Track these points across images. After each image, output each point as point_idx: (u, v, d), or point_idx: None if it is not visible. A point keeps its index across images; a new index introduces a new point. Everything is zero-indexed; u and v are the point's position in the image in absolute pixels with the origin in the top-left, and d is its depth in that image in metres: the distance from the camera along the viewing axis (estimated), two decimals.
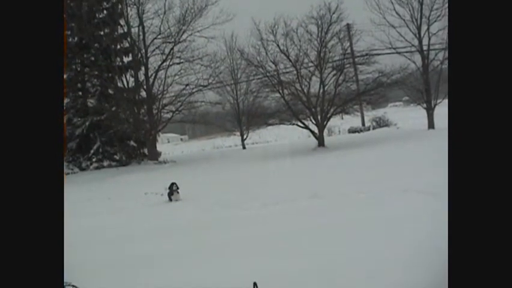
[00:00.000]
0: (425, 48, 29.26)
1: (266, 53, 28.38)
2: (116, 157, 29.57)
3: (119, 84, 30.21)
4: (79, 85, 29.66)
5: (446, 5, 27.91)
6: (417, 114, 33.25)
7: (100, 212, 11.90)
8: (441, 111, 30.82)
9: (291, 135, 41.55)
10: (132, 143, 30.65)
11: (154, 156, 30.20)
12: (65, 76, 25.70)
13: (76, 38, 28.82)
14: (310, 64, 28.24)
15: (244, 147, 39.73)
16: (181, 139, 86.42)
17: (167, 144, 62.79)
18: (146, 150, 30.72)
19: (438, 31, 28.65)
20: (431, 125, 29.29)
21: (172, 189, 12.50)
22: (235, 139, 44.08)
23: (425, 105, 29.60)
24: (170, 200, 12.40)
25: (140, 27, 30.03)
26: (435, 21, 28.69)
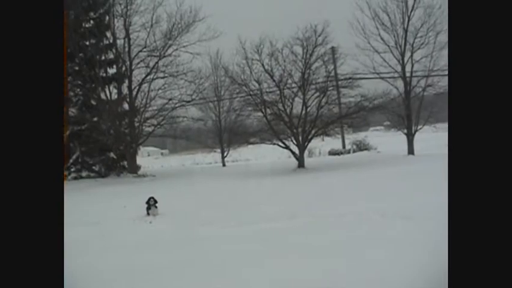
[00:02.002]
0: (407, 74, 29.59)
1: (250, 72, 28.35)
2: (95, 168, 29.40)
3: (102, 96, 30.04)
4: None
5: (430, 33, 28.44)
6: (397, 139, 33.49)
7: (73, 225, 11.75)
8: (421, 137, 31.17)
9: (272, 154, 41.55)
10: (112, 155, 30.49)
11: (134, 169, 30.04)
12: None
13: None
14: (293, 85, 28.31)
15: (224, 165, 39.68)
16: (162, 153, 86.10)
17: (147, 158, 62.50)
18: (126, 163, 30.54)
19: (422, 58, 29.17)
20: (410, 151, 29.52)
21: (150, 204, 12.42)
22: (215, 156, 43.98)
23: (405, 130, 29.83)
24: (148, 214, 12.31)
25: (126, 39, 29.99)
26: (418, 48, 29.21)
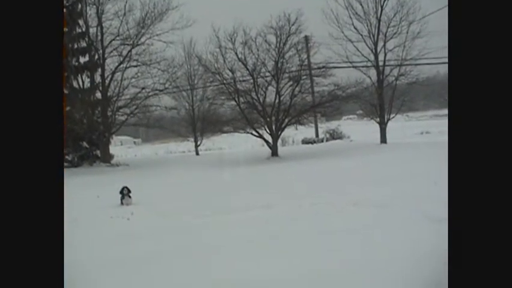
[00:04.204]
0: (380, 63, 29.78)
1: (224, 61, 28.30)
2: (68, 158, 29.15)
3: (75, 84, 29.82)
4: None
5: (403, 23, 28.71)
6: (370, 128, 33.76)
7: None
8: (394, 126, 31.46)
9: (245, 143, 41.61)
10: (85, 144, 30.26)
11: (107, 158, 29.90)
12: None
13: None
14: (267, 74, 28.38)
15: (197, 154, 39.59)
16: (135, 142, 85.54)
17: (120, 147, 62.09)
18: (98, 152, 30.36)
19: (394, 48, 29.42)
20: (383, 140, 29.76)
21: (124, 193, 12.36)
22: (188, 145, 43.82)
23: (378, 119, 30.06)
24: (122, 204, 12.26)
25: (99, 28, 29.74)
26: (391, 38, 29.42)
